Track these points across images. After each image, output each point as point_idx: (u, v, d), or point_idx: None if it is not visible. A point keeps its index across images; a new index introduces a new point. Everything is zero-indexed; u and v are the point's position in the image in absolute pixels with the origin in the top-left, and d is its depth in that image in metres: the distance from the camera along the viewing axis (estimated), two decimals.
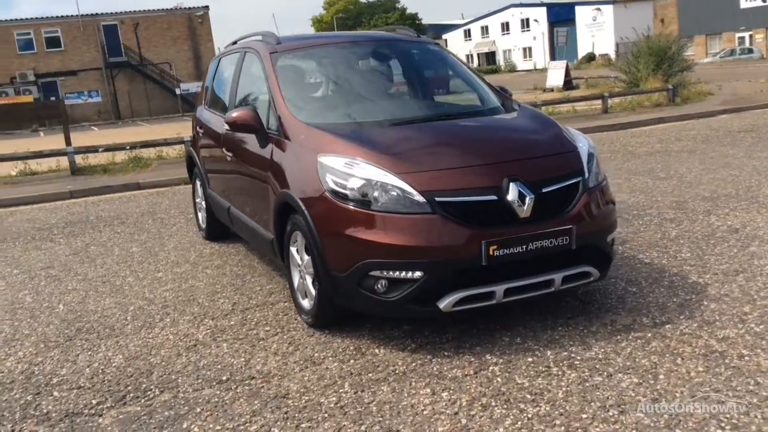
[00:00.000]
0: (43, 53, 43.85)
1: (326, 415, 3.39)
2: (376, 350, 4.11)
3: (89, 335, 4.70)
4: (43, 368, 4.23)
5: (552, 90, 31.13)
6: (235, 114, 4.90)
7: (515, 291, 4.01)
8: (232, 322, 4.73)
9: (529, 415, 3.26)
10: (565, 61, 35.65)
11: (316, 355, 4.10)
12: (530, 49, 75.57)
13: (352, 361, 3.99)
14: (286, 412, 3.44)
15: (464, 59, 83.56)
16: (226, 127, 5.04)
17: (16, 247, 7.68)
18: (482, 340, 4.12)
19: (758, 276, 4.85)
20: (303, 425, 3.31)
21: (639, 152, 11.22)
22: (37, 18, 44.35)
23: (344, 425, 3.28)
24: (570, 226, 4.02)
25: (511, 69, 72.27)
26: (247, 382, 3.82)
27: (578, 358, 3.81)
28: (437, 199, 3.87)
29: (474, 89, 5.33)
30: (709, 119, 15.51)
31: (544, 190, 4.02)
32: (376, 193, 3.92)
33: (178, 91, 42.11)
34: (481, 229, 3.86)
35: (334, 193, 4.03)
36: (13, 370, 4.25)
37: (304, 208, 4.20)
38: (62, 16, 44.23)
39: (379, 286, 3.92)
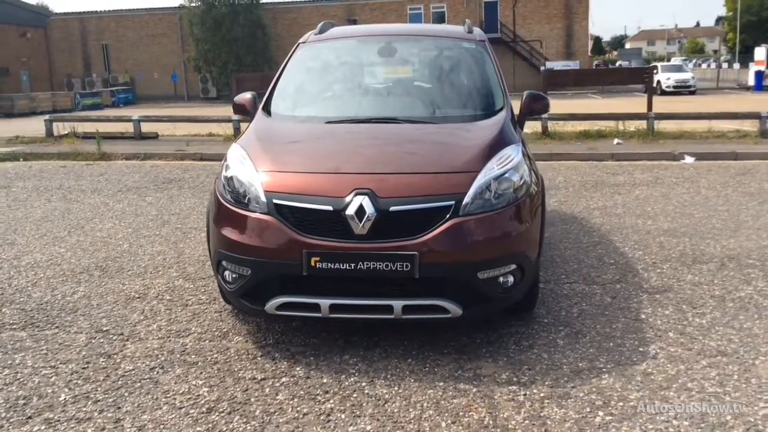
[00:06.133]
0: None
1: (99, 379, 3.71)
2: (238, 337, 4.26)
3: (97, 272, 5.59)
4: (30, 290, 5.20)
5: None
6: (238, 96, 5.28)
7: (344, 309, 3.82)
8: (190, 286, 5.20)
9: (210, 424, 3.23)
10: None
11: (191, 329, 4.40)
12: None
13: (206, 342, 4.20)
14: (83, 368, 3.85)
15: None
16: None
17: (192, 191, 9.08)
18: (326, 352, 4.01)
19: (730, 365, 3.78)
20: (74, 382, 3.69)
21: None
22: None
23: (95, 392, 3.59)
24: (413, 253, 3.67)
25: None
26: (111, 337, 4.28)
27: (366, 393, 3.54)
28: (275, 201, 3.85)
29: (473, 95, 4.95)
30: None
31: (392, 209, 3.72)
32: (241, 189, 4.04)
33: (542, 69, 42.36)
34: (308, 238, 3.74)
35: (222, 182, 4.24)
36: (13, 284, 5.30)
37: (212, 192, 4.49)
38: None
39: (227, 275, 4.06)
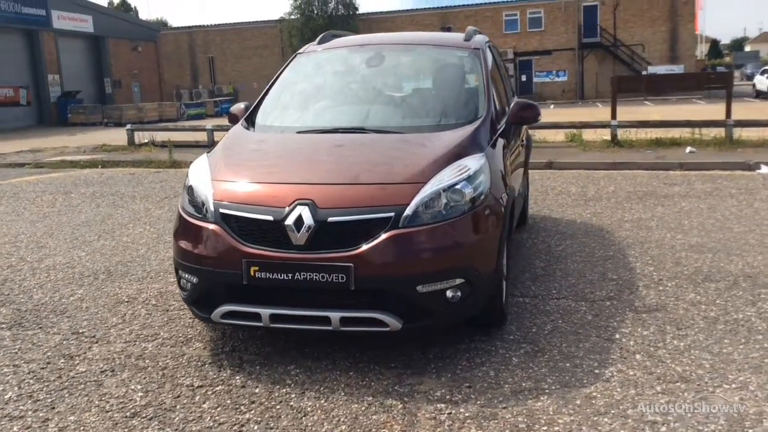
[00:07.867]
0: (525, 33, 46.95)
1: (51, 379, 3.86)
2: (198, 344, 4.33)
3: (103, 276, 5.82)
4: (34, 291, 5.47)
5: None
6: (234, 107, 5.38)
7: (283, 319, 3.82)
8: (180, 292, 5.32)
9: (128, 429, 3.29)
10: None
11: (160, 334, 4.50)
12: None
13: (167, 347, 4.29)
14: (42, 368, 4.01)
15: None
16: None
17: None
18: (276, 362, 4.00)
19: (686, 393, 3.51)
20: (26, 381, 3.85)
21: None
22: (524, 0, 47.49)
23: (40, 392, 3.74)
24: (348, 264, 3.62)
25: None
26: (82, 339, 4.44)
27: (291, 405, 3.51)
28: (221, 210, 3.90)
29: (448, 104, 4.85)
30: None
31: (330, 220, 3.69)
32: (198, 199, 4.11)
33: (644, 73, 40.97)
34: (248, 248, 3.77)
35: (184, 192, 4.33)
36: (23, 285, 5.59)
37: None
38: None
39: (182, 283, 4.14)
